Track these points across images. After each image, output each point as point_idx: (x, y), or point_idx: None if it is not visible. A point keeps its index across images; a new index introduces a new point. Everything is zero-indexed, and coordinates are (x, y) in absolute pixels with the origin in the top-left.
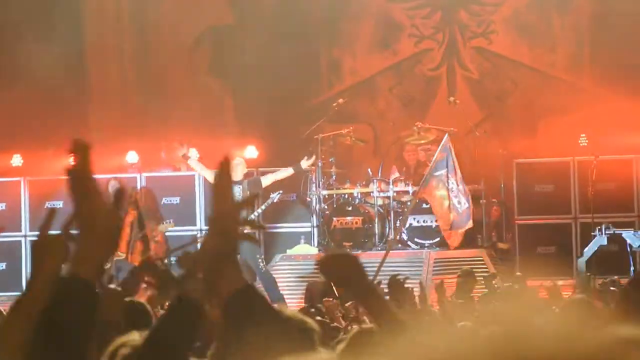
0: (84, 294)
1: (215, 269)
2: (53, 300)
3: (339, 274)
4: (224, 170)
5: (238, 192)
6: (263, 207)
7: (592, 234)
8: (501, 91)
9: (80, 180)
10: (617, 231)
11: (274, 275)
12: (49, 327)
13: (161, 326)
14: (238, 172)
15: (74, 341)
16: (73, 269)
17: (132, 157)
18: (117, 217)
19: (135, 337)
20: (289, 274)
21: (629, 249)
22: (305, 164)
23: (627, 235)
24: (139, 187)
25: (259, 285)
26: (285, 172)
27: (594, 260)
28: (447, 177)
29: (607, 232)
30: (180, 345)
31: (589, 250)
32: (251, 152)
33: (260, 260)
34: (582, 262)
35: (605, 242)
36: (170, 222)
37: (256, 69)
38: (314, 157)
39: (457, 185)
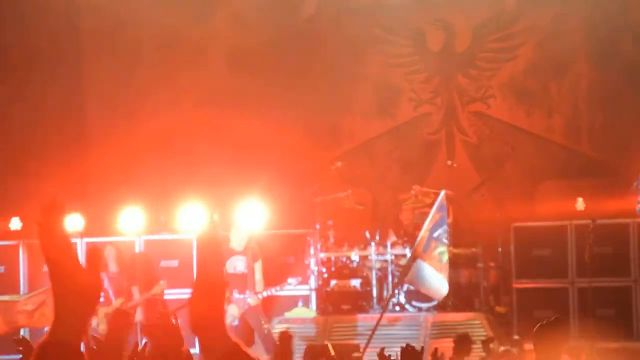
0: (66, 357)
1: (203, 336)
2: None
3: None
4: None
5: (241, 264)
6: (278, 287)
7: None
8: (499, 155)
9: (54, 238)
10: None
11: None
12: None
13: None
14: (239, 238)
15: None
16: (53, 332)
17: (130, 219)
18: (95, 276)
19: None
20: None
21: None
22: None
23: None
24: (137, 250)
25: (258, 343)
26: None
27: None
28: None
29: None
30: None
31: None
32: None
33: (263, 322)
34: None
35: None
36: (163, 284)
37: (255, 133)
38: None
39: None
